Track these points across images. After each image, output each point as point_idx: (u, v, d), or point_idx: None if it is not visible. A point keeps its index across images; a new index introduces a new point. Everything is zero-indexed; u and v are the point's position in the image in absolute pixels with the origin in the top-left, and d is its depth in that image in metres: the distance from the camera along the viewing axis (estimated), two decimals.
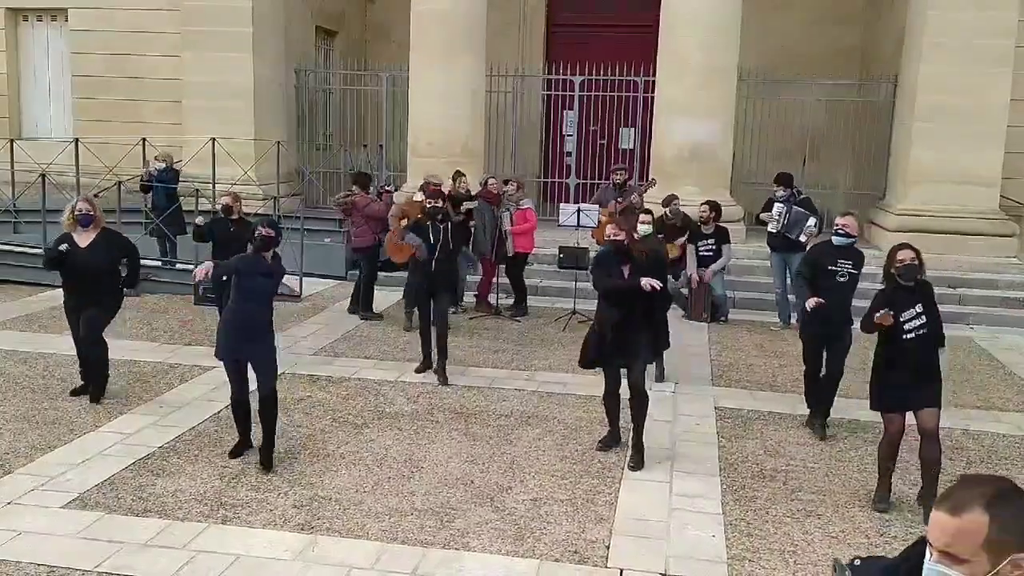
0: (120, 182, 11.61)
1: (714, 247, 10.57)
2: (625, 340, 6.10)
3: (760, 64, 13.99)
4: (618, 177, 10.70)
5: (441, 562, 4.76)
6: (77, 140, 13.41)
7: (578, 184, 14.61)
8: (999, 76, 12.01)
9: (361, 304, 10.24)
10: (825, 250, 6.97)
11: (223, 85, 14.02)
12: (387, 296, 10.84)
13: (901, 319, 5.38)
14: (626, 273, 6.07)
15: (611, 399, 6.42)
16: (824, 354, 6.95)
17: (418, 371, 8.05)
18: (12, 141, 13.52)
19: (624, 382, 6.22)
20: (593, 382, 8.08)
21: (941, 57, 12.11)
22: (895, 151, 13.25)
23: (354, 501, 5.44)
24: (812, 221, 9.85)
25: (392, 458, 6.16)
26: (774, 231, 10.09)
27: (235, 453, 6.10)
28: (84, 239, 7.02)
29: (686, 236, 10.51)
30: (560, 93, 14.77)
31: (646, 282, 5.91)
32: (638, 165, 14.15)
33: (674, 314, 9.83)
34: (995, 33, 11.93)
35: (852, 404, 7.67)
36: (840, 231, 6.81)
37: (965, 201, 12.22)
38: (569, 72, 14.37)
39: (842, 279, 6.75)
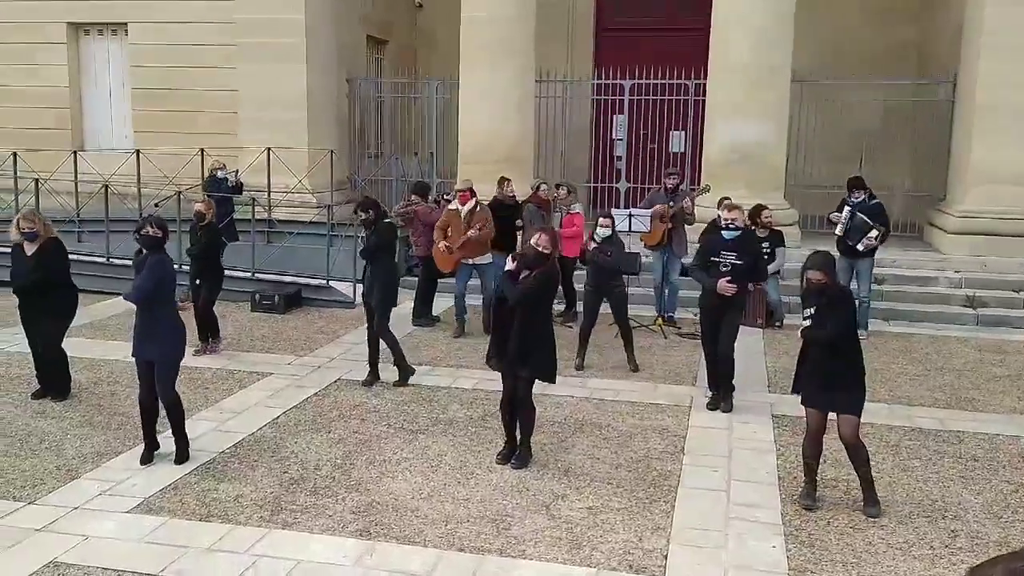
0: (180, 192, 11.87)
1: (769, 250, 10.42)
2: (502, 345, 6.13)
3: (812, 64, 13.78)
4: (670, 181, 10.61)
5: (498, 570, 4.77)
6: (138, 151, 13.74)
7: (628, 188, 14.55)
8: None
9: (417, 308, 10.38)
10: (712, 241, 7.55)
11: (277, 95, 14.26)
12: (438, 303, 10.88)
13: (804, 315, 5.71)
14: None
15: (502, 408, 6.35)
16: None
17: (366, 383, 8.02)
18: (75, 152, 13.90)
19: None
20: (646, 389, 8.05)
21: (1001, 54, 11.81)
22: (955, 151, 12.94)
23: (410, 507, 5.48)
24: (874, 233, 9.69)
25: (447, 464, 6.19)
26: (839, 234, 9.95)
27: (144, 459, 6.10)
28: (29, 250, 7.37)
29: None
30: (610, 97, 14.72)
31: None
32: (689, 169, 14.03)
33: None
34: None
35: (915, 412, 7.54)
36: (731, 225, 7.40)
37: None
38: (618, 76, 14.32)
39: (725, 268, 7.30)
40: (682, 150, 14.50)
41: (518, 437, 6.28)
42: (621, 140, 14.93)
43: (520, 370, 6.09)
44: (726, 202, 8.63)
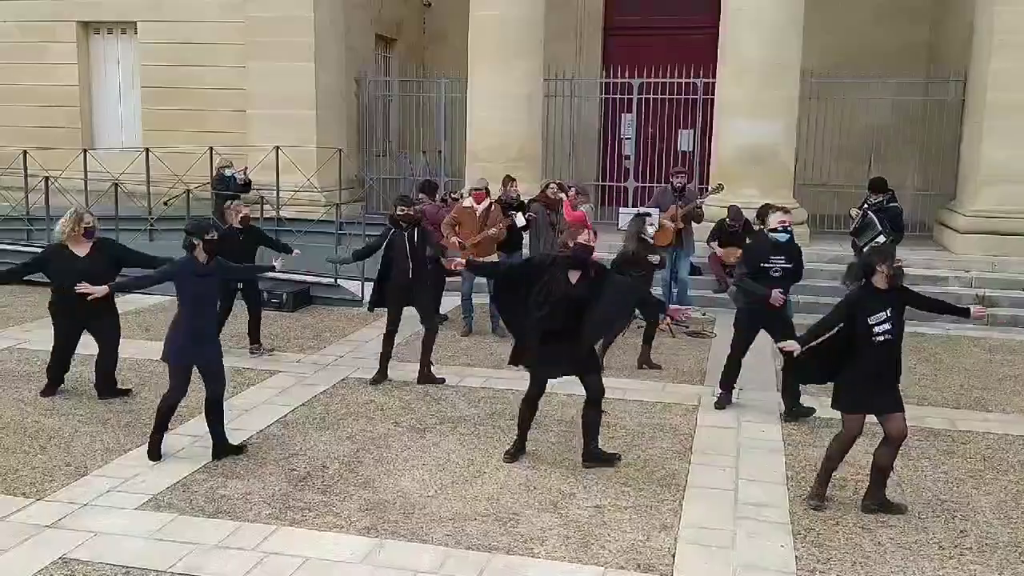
0: (189, 190, 11.92)
1: None
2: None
3: (822, 63, 13.75)
4: (677, 180, 10.59)
5: (506, 568, 4.76)
6: (147, 150, 13.80)
7: (637, 187, 14.54)
8: None
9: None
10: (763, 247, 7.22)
11: (286, 94, 14.31)
12: (445, 302, 10.87)
13: (870, 321, 5.50)
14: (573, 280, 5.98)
15: (527, 404, 6.28)
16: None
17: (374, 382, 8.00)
18: (85, 151, 13.96)
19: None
20: (654, 388, 8.05)
21: (1012, 54, 11.81)
22: (965, 150, 12.90)
23: (418, 505, 5.48)
24: (881, 239, 9.66)
25: (455, 463, 6.19)
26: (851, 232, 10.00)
27: (154, 454, 6.11)
28: (82, 249, 7.14)
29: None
30: (618, 96, 14.72)
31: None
32: (697, 168, 14.02)
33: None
34: None
35: (925, 411, 7.51)
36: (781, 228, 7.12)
37: None
38: (627, 75, 14.31)
39: (776, 275, 7.06)
40: (691, 149, 14.49)
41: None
42: (629, 139, 14.92)
43: (591, 371, 6.11)
44: (777, 204, 8.22)
